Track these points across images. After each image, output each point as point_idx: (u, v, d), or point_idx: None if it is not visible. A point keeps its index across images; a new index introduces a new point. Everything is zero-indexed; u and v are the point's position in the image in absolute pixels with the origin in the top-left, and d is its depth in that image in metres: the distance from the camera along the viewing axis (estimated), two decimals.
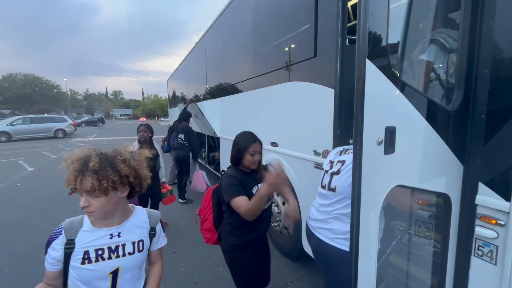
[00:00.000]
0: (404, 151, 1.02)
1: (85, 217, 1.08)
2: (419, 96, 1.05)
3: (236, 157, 1.71)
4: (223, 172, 1.79)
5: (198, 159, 7.19)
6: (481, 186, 1.19)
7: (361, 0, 0.87)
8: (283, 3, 2.74)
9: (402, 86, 0.99)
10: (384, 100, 0.97)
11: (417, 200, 1.40)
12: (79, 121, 36.39)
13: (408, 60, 1.21)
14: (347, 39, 2.01)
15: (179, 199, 4.81)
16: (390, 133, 0.95)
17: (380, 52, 0.92)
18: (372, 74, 0.90)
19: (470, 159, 1.22)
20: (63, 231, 1.02)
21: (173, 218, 4.17)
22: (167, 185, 3.74)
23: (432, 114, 1.08)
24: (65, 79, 59.49)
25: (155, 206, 3.72)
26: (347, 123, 2.04)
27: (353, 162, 0.97)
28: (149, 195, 3.55)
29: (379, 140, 0.95)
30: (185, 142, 4.75)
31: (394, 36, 1.00)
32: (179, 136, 4.81)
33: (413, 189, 1.21)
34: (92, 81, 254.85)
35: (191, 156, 4.76)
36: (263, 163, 3.19)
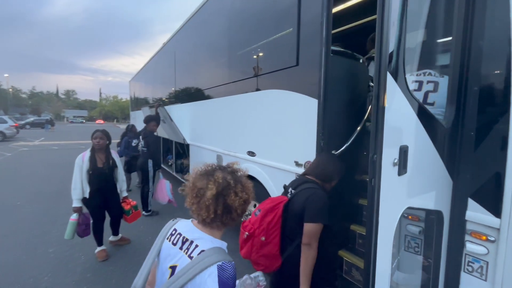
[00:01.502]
0: (412, 171, 0.98)
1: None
2: (425, 111, 1.02)
3: (333, 176, 1.63)
4: (307, 185, 1.56)
5: (164, 166, 6.75)
6: (471, 202, 1.21)
7: (382, 8, 0.80)
8: (263, 6, 2.66)
9: (413, 101, 0.94)
10: (398, 117, 0.92)
11: (407, 216, 1.38)
12: (23, 122, 32.44)
13: (413, 75, 1.18)
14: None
15: (143, 212, 4.40)
16: (404, 152, 0.89)
17: (398, 66, 0.87)
18: (391, 89, 0.84)
19: (459, 175, 1.23)
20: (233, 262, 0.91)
21: (137, 233, 3.77)
22: (131, 200, 3.35)
23: (434, 131, 1.06)
24: (6, 75, 52.63)
25: (115, 224, 3.32)
26: (331, 135, 2.00)
27: (368, 186, 0.89)
28: (106, 210, 3.15)
29: (395, 161, 0.88)
30: (144, 149, 4.42)
31: (409, 49, 0.96)
32: (142, 141, 4.46)
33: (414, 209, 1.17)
34: (40, 78, 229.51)
35: (149, 163, 4.40)
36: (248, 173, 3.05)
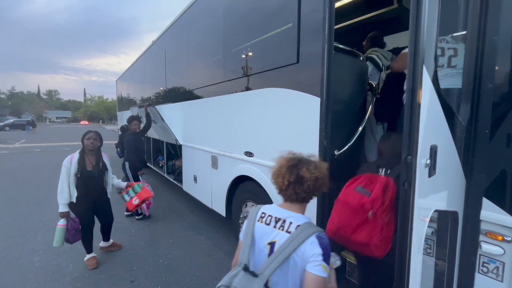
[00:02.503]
0: (438, 171, 0.93)
1: None
2: (450, 108, 0.98)
3: None
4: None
5: (155, 168, 6.56)
6: (486, 202, 1.18)
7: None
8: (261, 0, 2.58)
9: (441, 97, 0.89)
10: (429, 114, 0.86)
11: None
12: (2, 124, 31.10)
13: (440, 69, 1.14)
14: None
15: (135, 216, 4.24)
16: (434, 153, 0.84)
17: (431, 59, 0.81)
18: (425, 84, 0.78)
19: (473, 174, 1.20)
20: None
21: (128, 238, 3.61)
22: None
23: (455, 128, 1.02)
24: None
25: (106, 229, 3.16)
26: (334, 134, 1.95)
27: (401, 191, 0.84)
28: (96, 216, 3.00)
29: (427, 163, 0.83)
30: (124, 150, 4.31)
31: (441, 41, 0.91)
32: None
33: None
34: (20, 78, 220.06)
35: (126, 166, 4.22)
36: (238, 174, 2.97)
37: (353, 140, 2.04)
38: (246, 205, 2.98)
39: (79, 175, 2.74)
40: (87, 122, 61.04)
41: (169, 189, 6.10)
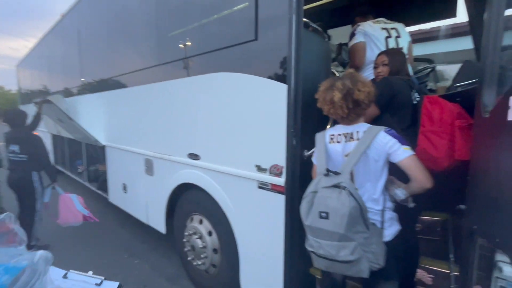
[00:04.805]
0: None
1: None
2: None
3: None
4: None
5: (73, 175, 5.31)
6: None
7: None
8: None
9: None
10: None
11: None
12: None
13: None
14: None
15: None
16: None
17: None
18: None
19: None
20: None
21: None
22: None
23: None
24: None
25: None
26: (306, 130, 1.57)
27: None
28: None
29: None
30: (23, 157, 2.92)
31: None
32: (11, 148, 2.94)
33: None
34: None
35: (34, 177, 2.97)
36: (180, 181, 2.38)
37: None
38: (192, 220, 2.40)
39: None
40: None
41: (94, 198, 4.99)
